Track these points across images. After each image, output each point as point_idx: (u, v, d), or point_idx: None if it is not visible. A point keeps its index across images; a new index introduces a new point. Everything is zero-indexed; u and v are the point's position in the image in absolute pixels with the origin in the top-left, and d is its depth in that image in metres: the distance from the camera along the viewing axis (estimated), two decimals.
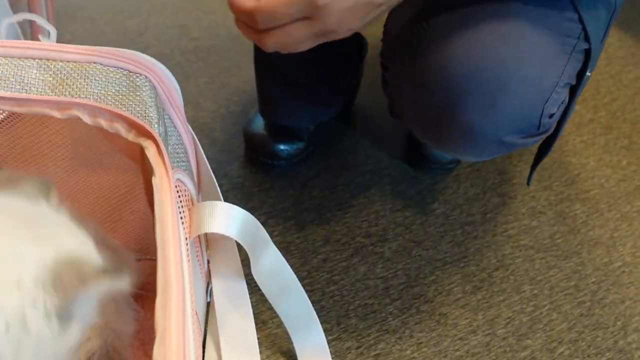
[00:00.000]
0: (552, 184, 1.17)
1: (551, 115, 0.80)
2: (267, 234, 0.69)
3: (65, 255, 0.56)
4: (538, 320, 0.96)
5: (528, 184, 1.00)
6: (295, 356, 0.84)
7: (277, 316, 0.81)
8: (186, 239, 0.58)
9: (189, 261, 0.55)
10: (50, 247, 0.57)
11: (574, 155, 1.24)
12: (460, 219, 1.08)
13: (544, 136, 0.83)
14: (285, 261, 0.74)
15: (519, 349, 0.92)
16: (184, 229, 0.57)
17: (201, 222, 0.61)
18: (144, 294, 0.64)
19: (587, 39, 0.79)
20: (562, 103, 0.82)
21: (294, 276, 0.76)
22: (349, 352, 0.89)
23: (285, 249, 1.00)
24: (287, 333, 0.83)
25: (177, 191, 0.61)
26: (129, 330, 0.66)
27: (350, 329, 0.91)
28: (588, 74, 0.83)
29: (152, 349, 0.47)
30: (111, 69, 0.59)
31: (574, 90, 0.84)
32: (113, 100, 0.59)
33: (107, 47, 0.61)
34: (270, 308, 0.83)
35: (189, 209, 0.64)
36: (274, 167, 1.12)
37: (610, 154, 1.25)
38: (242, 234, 0.65)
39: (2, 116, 0.76)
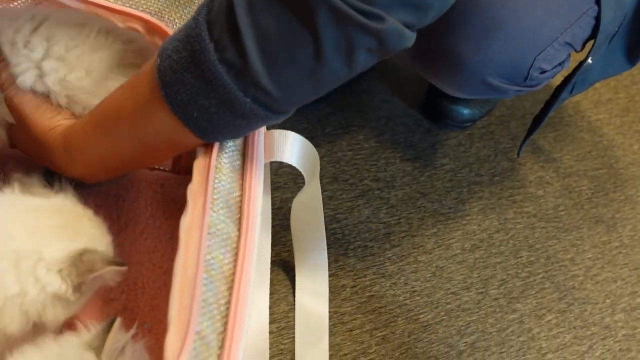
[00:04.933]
0: (562, 157, 1.17)
1: (543, 72, 0.79)
2: (319, 166, 0.70)
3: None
4: (530, 287, 0.97)
5: (518, 155, 1.00)
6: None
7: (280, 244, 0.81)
8: None
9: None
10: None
11: (587, 132, 1.23)
12: (468, 178, 1.08)
13: (528, 90, 0.82)
14: (320, 191, 0.74)
15: (508, 311, 0.93)
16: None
17: (275, 149, 0.62)
18: None
19: (598, 3, 0.77)
20: (558, 65, 0.80)
21: (321, 206, 0.76)
22: (344, 290, 0.89)
23: (293, 181, 0.99)
24: (288, 260, 0.83)
25: None
26: None
27: (348, 267, 0.92)
28: (589, 61, 0.81)
29: None
30: None
31: (569, 77, 0.83)
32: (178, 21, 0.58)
33: None
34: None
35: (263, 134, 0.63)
36: None
37: (624, 136, 1.25)
38: (305, 164, 0.66)
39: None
